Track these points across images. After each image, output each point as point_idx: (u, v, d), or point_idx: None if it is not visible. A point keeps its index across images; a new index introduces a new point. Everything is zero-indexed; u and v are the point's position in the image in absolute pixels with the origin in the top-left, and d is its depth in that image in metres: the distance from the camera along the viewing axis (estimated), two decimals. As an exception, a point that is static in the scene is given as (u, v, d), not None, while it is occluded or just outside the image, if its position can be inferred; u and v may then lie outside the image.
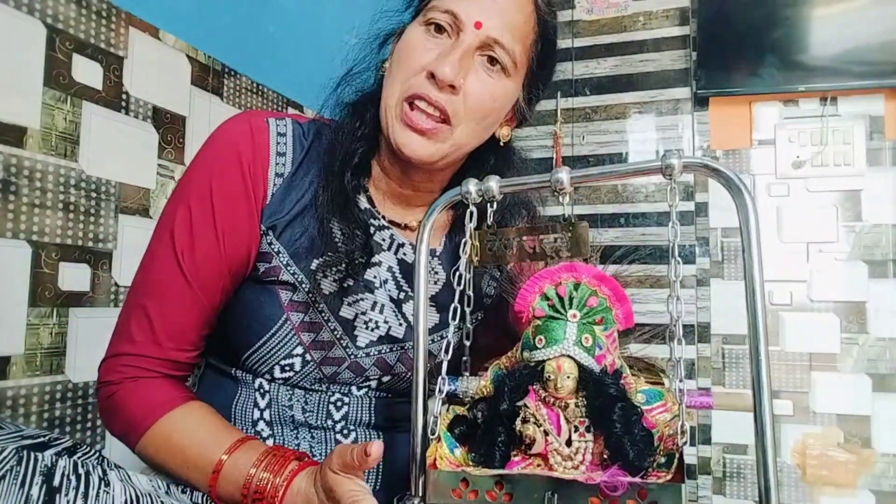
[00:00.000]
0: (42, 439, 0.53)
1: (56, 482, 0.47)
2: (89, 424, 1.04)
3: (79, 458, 0.53)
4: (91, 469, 0.52)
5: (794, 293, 1.93)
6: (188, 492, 0.66)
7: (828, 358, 1.89)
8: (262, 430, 0.74)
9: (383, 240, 0.78)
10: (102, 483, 0.51)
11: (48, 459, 0.48)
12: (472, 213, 0.59)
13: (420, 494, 0.54)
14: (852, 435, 1.85)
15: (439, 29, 0.70)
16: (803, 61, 1.89)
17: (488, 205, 0.59)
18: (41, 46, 0.97)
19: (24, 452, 0.47)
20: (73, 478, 0.49)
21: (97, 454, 0.57)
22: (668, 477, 0.48)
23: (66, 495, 0.47)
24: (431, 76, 0.68)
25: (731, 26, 1.94)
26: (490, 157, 0.81)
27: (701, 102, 2.04)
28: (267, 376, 0.75)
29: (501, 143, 0.80)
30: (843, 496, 1.83)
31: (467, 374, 0.64)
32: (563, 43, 2.18)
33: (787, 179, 1.97)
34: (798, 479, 1.88)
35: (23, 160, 0.94)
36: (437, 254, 0.82)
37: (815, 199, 1.94)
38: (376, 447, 0.57)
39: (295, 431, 0.75)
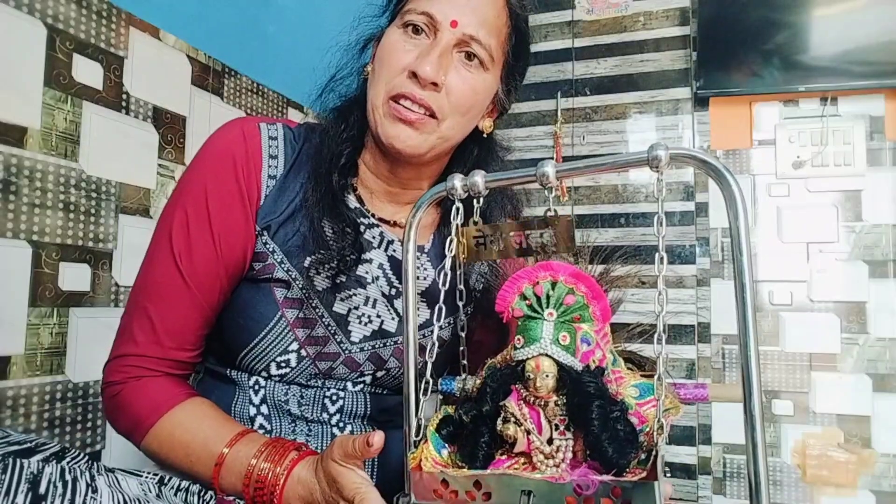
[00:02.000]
0: (29, 444, 0.53)
1: (42, 489, 0.47)
2: (89, 424, 1.04)
3: (67, 462, 0.53)
4: (79, 475, 0.52)
5: (794, 293, 1.93)
6: (182, 491, 0.67)
7: (828, 358, 1.89)
8: (262, 424, 0.76)
9: (373, 237, 0.80)
10: (90, 490, 0.51)
11: (34, 466, 0.49)
12: (457, 210, 0.59)
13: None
14: (852, 435, 1.85)
15: (417, 30, 0.73)
16: (803, 61, 1.89)
17: (474, 201, 0.59)
18: (41, 46, 0.97)
19: (10, 460, 0.47)
20: (59, 485, 0.49)
21: (86, 458, 0.57)
22: (643, 475, 0.47)
23: (52, 503, 0.47)
24: (413, 75, 0.71)
25: (731, 26, 1.94)
26: (474, 148, 0.84)
27: (701, 102, 2.04)
28: (263, 374, 0.77)
29: (485, 135, 0.83)
30: (843, 496, 1.83)
31: (465, 374, 0.64)
32: (563, 43, 2.18)
33: (787, 179, 1.97)
34: (798, 479, 1.88)
35: (23, 160, 0.94)
36: (426, 250, 0.84)
37: (815, 199, 1.94)
38: (378, 437, 0.58)
39: (292, 425, 0.77)
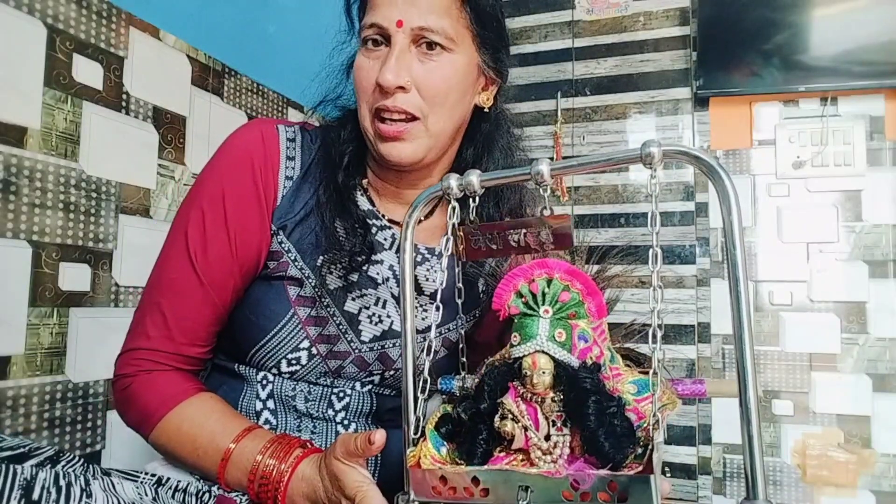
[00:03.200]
0: (22, 450, 0.54)
1: (35, 496, 0.48)
2: (89, 424, 1.04)
3: (62, 467, 0.53)
4: (73, 480, 0.52)
5: (794, 293, 1.93)
6: (180, 492, 0.67)
7: (828, 358, 1.89)
8: (267, 419, 0.77)
9: (385, 239, 0.80)
10: (84, 494, 0.51)
11: (28, 472, 0.49)
12: (454, 209, 0.59)
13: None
14: (852, 435, 1.85)
15: (376, 42, 0.74)
16: (803, 61, 1.89)
17: (470, 199, 0.59)
18: (41, 46, 0.97)
19: (3, 466, 0.47)
20: (53, 490, 0.49)
21: (82, 461, 0.57)
22: (639, 469, 0.47)
23: None
24: (381, 87, 0.72)
25: (731, 26, 1.94)
26: (482, 125, 0.84)
27: (701, 102, 2.03)
28: (274, 370, 0.77)
29: (486, 110, 0.82)
30: (843, 496, 1.83)
31: (465, 373, 0.65)
32: (563, 43, 2.18)
33: (787, 179, 1.97)
34: (798, 479, 1.88)
35: (23, 160, 0.94)
36: (437, 252, 0.84)
37: (815, 199, 1.94)
38: (379, 436, 0.59)
39: (298, 421, 0.78)
